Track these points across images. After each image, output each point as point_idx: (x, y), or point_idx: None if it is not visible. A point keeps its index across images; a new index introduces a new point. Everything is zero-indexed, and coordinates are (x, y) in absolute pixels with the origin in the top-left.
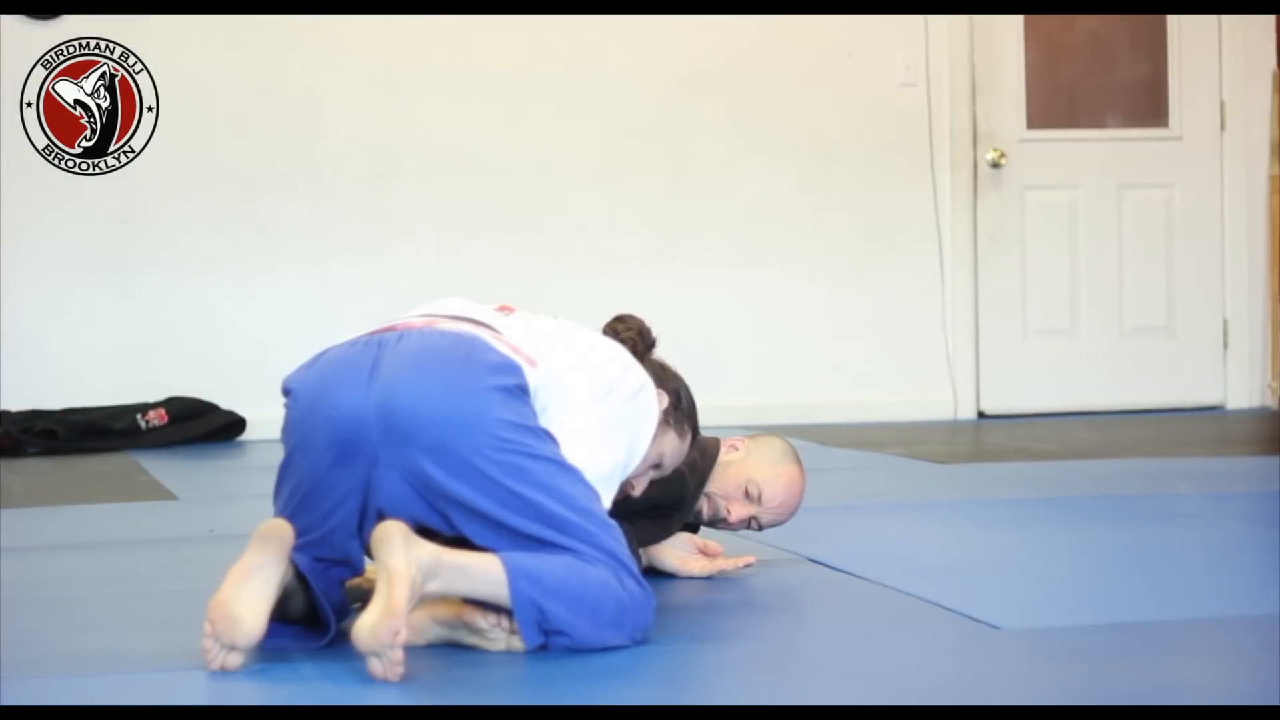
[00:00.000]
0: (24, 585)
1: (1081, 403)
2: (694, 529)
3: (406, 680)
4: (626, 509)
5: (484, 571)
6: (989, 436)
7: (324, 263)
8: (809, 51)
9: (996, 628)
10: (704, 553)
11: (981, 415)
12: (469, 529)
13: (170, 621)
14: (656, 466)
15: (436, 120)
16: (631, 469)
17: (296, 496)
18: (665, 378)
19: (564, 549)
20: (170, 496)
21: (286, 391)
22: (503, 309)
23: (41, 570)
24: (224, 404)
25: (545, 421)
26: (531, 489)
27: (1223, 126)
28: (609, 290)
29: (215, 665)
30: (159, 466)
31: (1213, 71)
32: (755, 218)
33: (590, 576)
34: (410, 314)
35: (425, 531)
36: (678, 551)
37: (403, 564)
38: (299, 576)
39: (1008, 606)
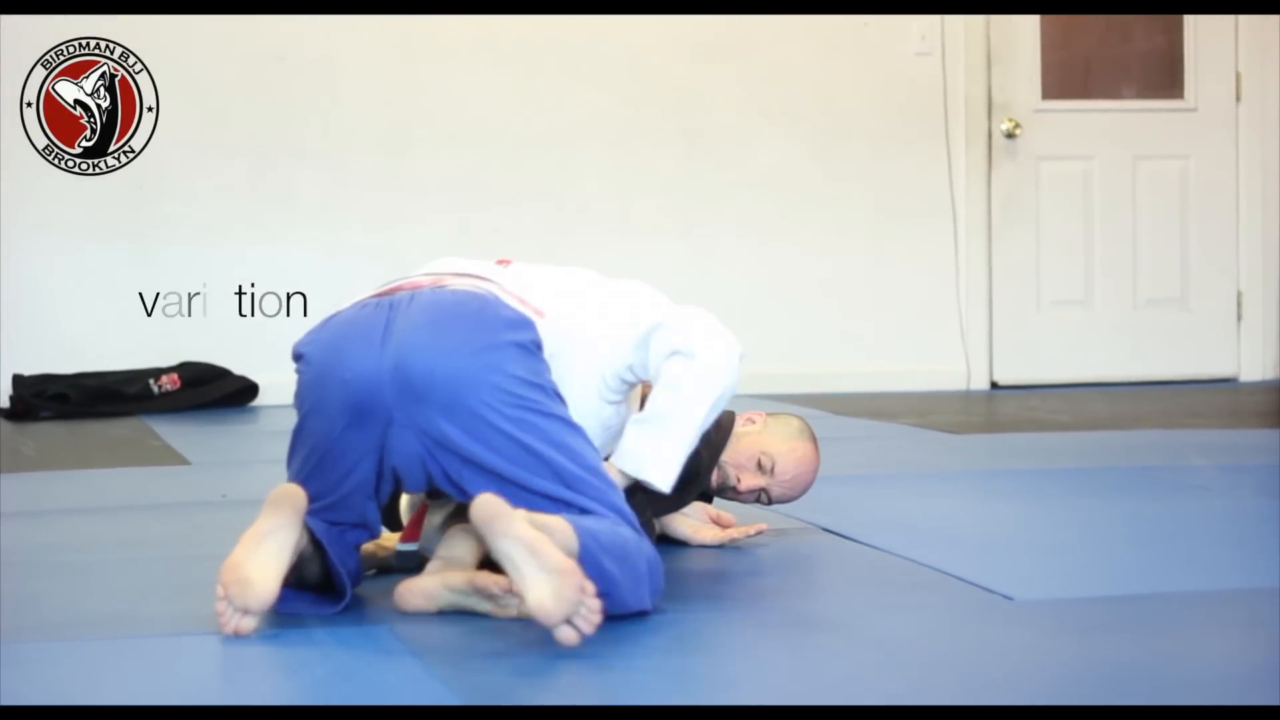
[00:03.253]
0: (36, 549)
1: (1095, 374)
2: (707, 499)
3: (420, 655)
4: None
5: (558, 529)
6: (1002, 407)
7: (337, 229)
8: (824, 20)
9: (1009, 598)
10: (717, 523)
11: (995, 386)
12: (482, 489)
13: (182, 586)
14: None
15: (451, 88)
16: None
17: (311, 460)
18: None
19: (576, 508)
20: (183, 461)
21: (298, 356)
22: (500, 262)
23: (53, 534)
24: (236, 369)
25: (556, 366)
26: (544, 445)
27: (1238, 98)
28: (622, 259)
29: (229, 629)
30: (171, 431)
31: (1228, 43)
32: (769, 187)
33: (627, 536)
34: (416, 273)
35: (436, 495)
36: (691, 520)
37: (529, 530)
38: (314, 542)
39: (1021, 577)
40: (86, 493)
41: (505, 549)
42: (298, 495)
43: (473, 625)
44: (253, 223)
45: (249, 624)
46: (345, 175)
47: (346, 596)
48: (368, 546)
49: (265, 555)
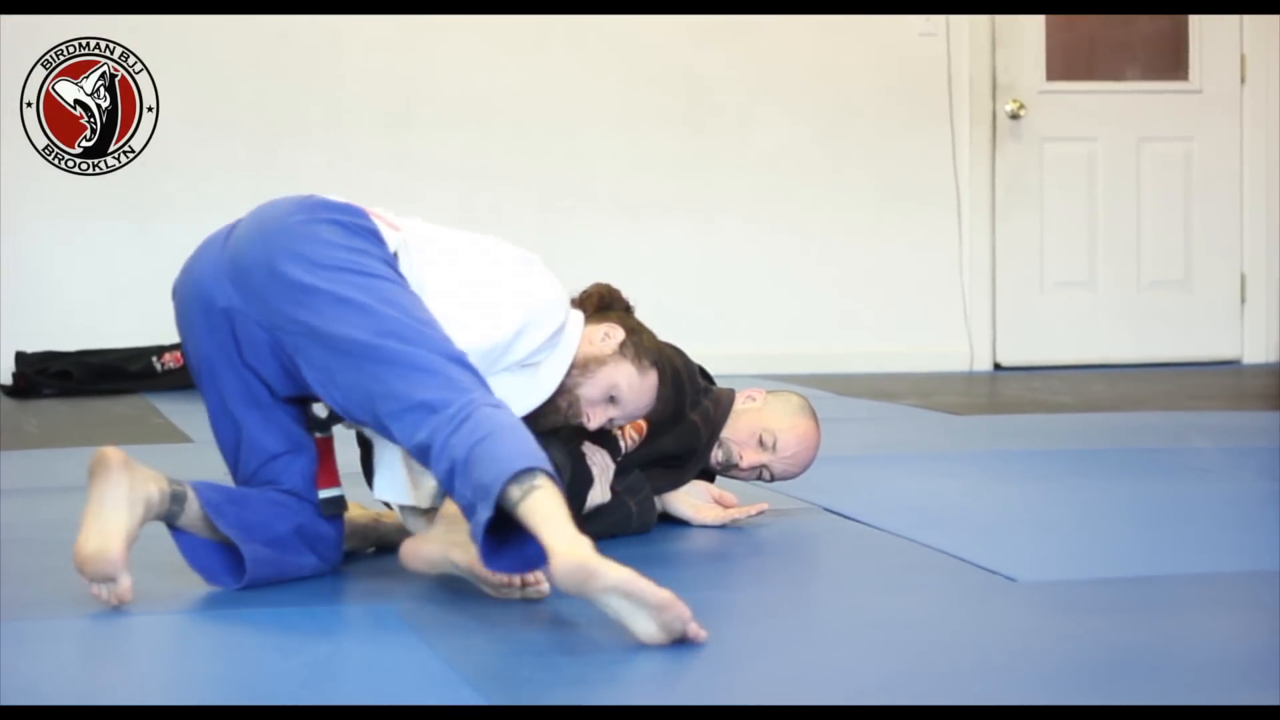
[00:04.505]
0: (38, 526)
1: (1098, 355)
2: (710, 477)
3: (424, 635)
4: (640, 459)
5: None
6: (1005, 388)
7: None
8: None
9: (1012, 580)
10: (719, 503)
11: (998, 367)
12: (316, 366)
13: (183, 564)
14: (613, 400)
15: (455, 66)
16: (514, 357)
17: (207, 401)
18: (627, 323)
19: (410, 363)
20: (185, 439)
21: (172, 294)
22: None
23: (56, 511)
24: None
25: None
26: (368, 298)
27: (1243, 80)
28: (626, 238)
29: (114, 602)
30: (174, 409)
31: (1233, 25)
32: (773, 167)
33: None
34: None
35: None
36: (692, 500)
37: (620, 574)
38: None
39: (1024, 558)
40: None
41: (607, 603)
42: (109, 456)
43: (476, 604)
44: (256, 201)
45: (123, 590)
46: (349, 154)
47: (245, 555)
48: (362, 519)
49: (101, 527)
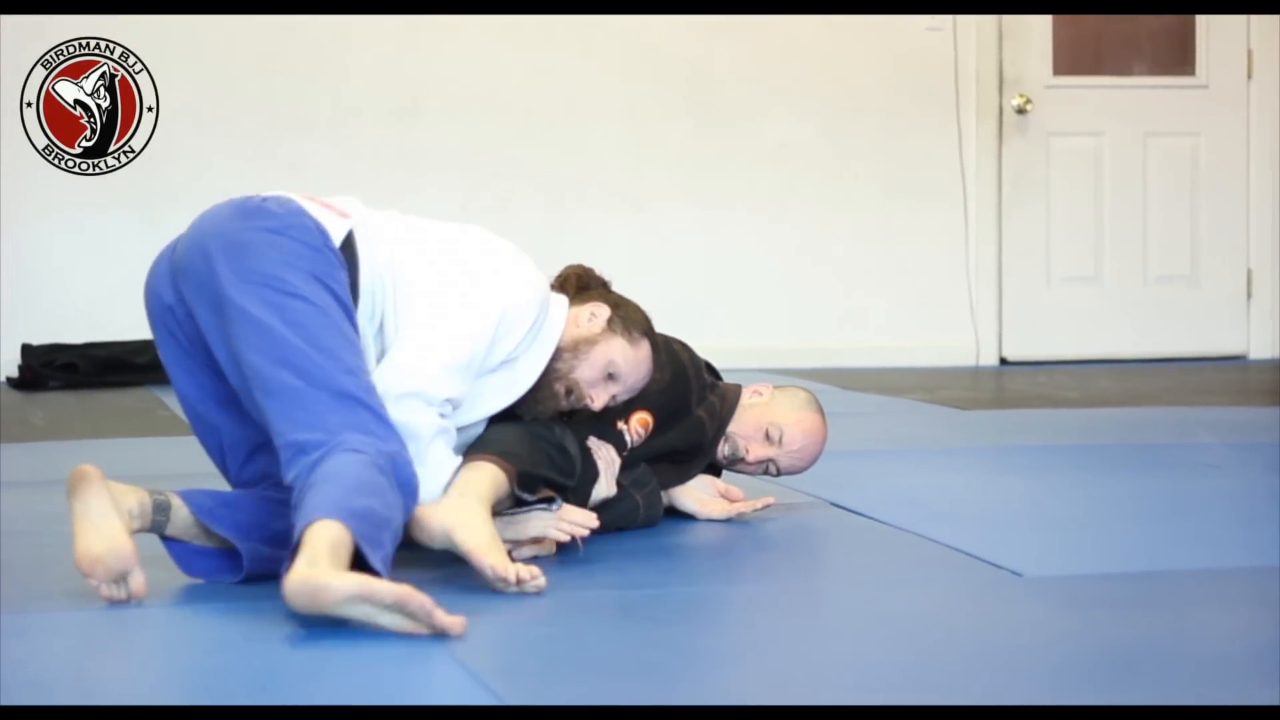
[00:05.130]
0: (45, 518)
1: (1104, 350)
2: (716, 471)
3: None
4: (646, 454)
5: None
6: (1011, 383)
7: None
8: None
9: (1018, 574)
10: (725, 497)
11: (1004, 362)
12: (230, 370)
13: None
14: (611, 377)
15: (461, 60)
16: (494, 360)
17: (181, 403)
18: (609, 298)
19: (290, 399)
20: (191, 432)
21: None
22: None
23: (61, 504)
24: None
25: (388, 291)
26: (277, 318)
27: (1249, 75)
28: (632, 232)
29: (121, 596)
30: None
31: (1240, 20)
32: (780, 162)
33: (366, 479)
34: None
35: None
36: (698, 494)
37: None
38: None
39: (1029, 553)
40: (95, 462)
41: (349, 614)
42: (87, 470)
43: (480, 596)
44: (261, 193)
45: (137, 584)
46: (354, 147)
47: (243, 551)
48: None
49: (99, 531)
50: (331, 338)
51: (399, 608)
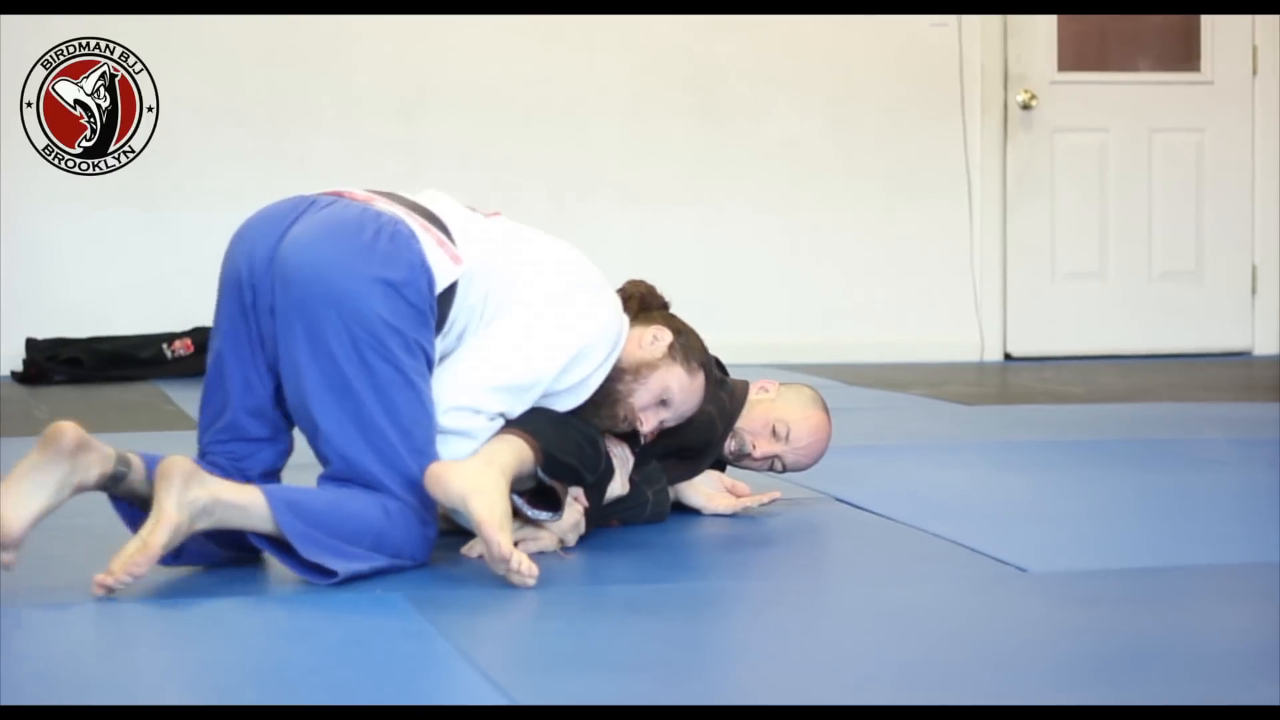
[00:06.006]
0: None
1: (1109, 346)
2: (722, 467)
3: (436, 622)
4: (657, 451)
5: (256, 507)
6: (1015, 379)
7: None
8: None
9: (1023, 570)
10: (731, 492)
11: (1008, 357)
12: (296, 396)
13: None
14: (664, 403)
15: (466, 55)
16: (569, 380)
17: (212, 369)
18: (673, 323)
19: (358, 464)
20: (194, 426)
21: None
22: (490, 214)
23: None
24: None
25: (476, 318)
26: (362, 386)
27: (1254, 71)
28: (636, 228)
29: None
30: (184, 396)
31: (1245, 16)
32: (784, 157)
33: (351, 510)
34: (368, 189)
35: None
36: (704, 489)
37: (173, 507)
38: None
39: (1034, 549)
40: None
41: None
42: (67, 431)
43: (485, 588)
44: (267, 188)
45: (7, 558)
46: (359, 141)
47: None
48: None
49: (20, 493)
50: (411, 411)
51: None
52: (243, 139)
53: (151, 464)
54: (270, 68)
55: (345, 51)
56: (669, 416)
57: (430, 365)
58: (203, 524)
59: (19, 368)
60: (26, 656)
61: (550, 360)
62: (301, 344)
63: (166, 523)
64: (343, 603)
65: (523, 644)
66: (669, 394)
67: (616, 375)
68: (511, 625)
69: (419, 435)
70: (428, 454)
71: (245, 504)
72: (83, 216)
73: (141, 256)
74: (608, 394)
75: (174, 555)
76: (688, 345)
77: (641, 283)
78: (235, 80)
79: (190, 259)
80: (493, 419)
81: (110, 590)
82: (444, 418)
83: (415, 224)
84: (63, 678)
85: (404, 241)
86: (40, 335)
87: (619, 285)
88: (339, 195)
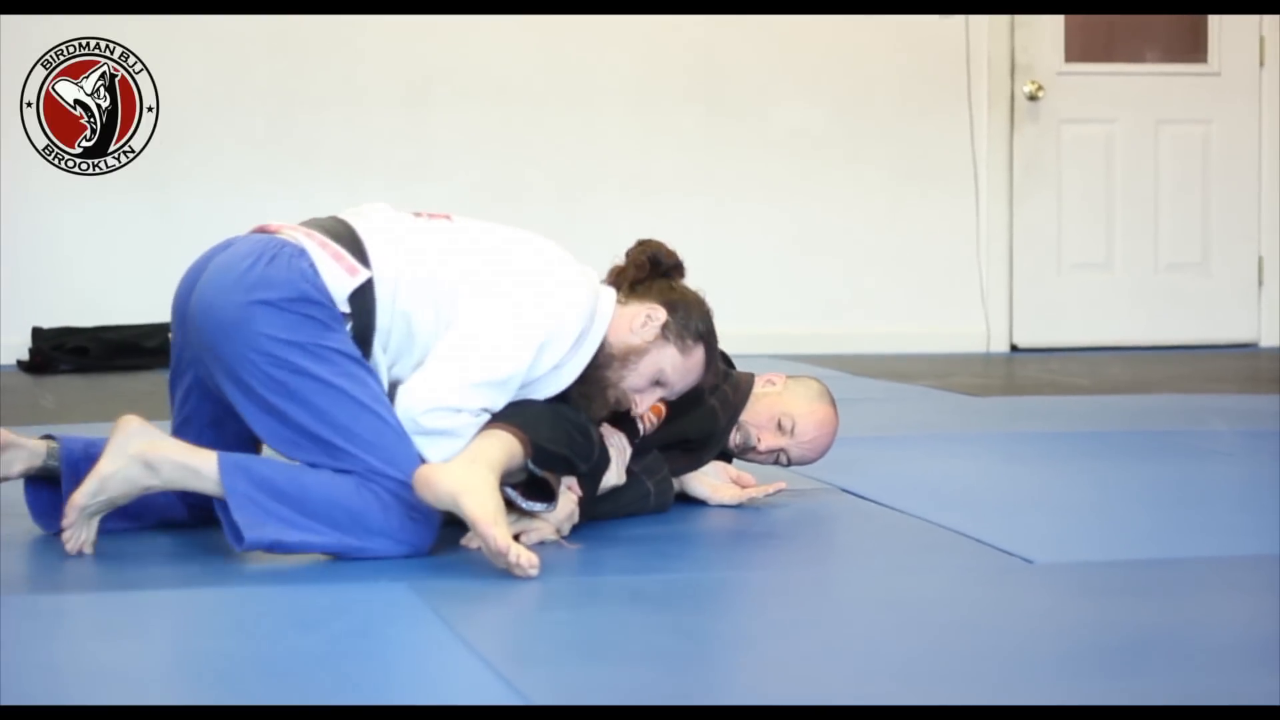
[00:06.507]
0: None
1: (1115, 338)
2: (728, 458)
3: (441, 612)
4: (658, 442)
5: (207, 468)
6: (1021, 370)
7: (358, 185)
8: None
9: (1029, 561)
10: (736, 483)
11: (1014, 349)
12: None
13: (193, 539)
14: (659, 384)
15: (472, 44)
16: (538, 372)
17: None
18: (670, 296)
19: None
20: None
21: None
22: (435, 216)
23: None
24: None
25: (429, 320)
26: (290, 405)
27: (1262, 63)
28: (643, 218)
29: None
30: None
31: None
32: (791, 147)
33: (310, 482)
34: (307, 218)
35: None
36: (710, 480)
37: (107, 458)
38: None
39: (1040, 540)
40: None
41: None
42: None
43: (491, 579)
44: (273, 177)
45: None
46: (366, 130)
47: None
48: None
49: None
50: (342, 410)
51: None
52: (249, 128)
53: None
54: (277, 56)
55: (352, 41)
56: (665, 394)
57: (355, 363)
58: (147, 481)
59: (25, 357)
60: (29, 646)
61: (520, 348)
62: (225, 383)
63: (95, 473)
64: (348, 593)
65: (527, 634)
66: (663, 375)
67: (605, 361)
68: (516, 615)
69: (362, 428)
70: (379, 443)
71: (196, 465)
72: (89, 205)
73: (148, 246)
74: (598, 381)
75: (133, 516)
76: (684, 322)
77: (649, 244)
78: (242, 69)
79: (197, 248)
80: (476, 415)
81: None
82: (425, 419)
83: (311, 243)
84: (69, 667)
85: (285, 261)
86: (46, 324)
87: (628, 248)
88: (260, 230)
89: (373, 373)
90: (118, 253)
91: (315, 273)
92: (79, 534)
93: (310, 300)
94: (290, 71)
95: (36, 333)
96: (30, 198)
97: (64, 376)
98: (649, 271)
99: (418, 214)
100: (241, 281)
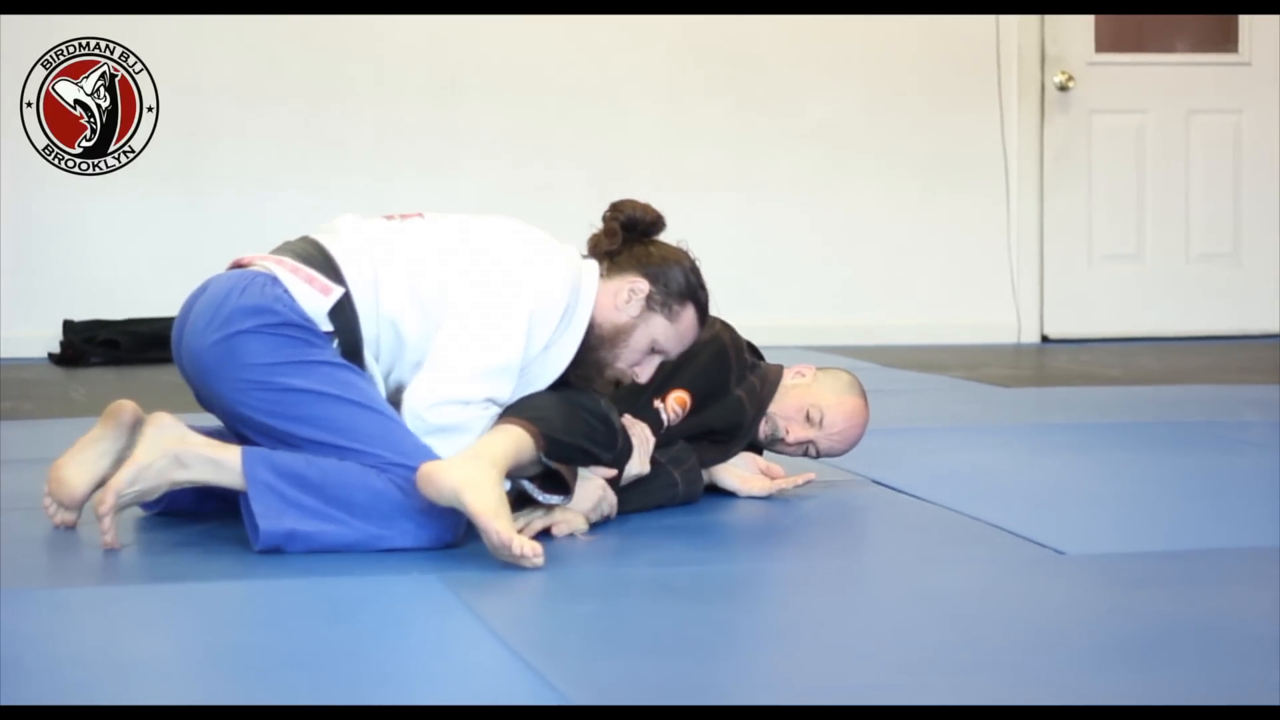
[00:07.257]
0: None
1: (1146, 328)
2: (758, 450)
3: (471, 605)
4: (683, 432)
5: (231, 462)
6: (1052, 361)
7: (389, 177)
8: None
9: (1061, 553)
10: (765, 474)
11: (1045, 339)
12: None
13: (223, 534)
14: (654, 351)
15: (503, 36)
16: (536, 345)
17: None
18: (649, 262)
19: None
20: None
21: None
22: (405, 217)
23: None
24: None
25: (418, 320)
26: (290, 423)
27: None
28: (673, 210)
29: (57, 521)
30: None
31: None
32: (822, 139)
33: (329, 466)
34: (278, 245)
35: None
36: (739, 471)
37: (143, 449)
38: None
39: (1072, 531)
40: None
41: None
42: (125, 408)
43: (523, 572)
44: (303, 170)
45: (69, 517)
46: (396, 123)
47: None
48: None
49: (83, 460)
50: (338, 416)
51: None
52: (279, 121)
53: None
54: (307, 50)
55: (382, 33)
56: (665, 358)
57: (344, 369)
58: (176, 475)
59: (56, 350)
60: (60, 640)
61: (512, 329)
62: (228, 419)
63: (131, 463)
64: (379, 585)
65: (558, 626)
66: (656, 345)
67: (596, 343)
68: (546, 607)
69: (365, 427)
70: (386, 438)
71: (221, 458)
72: (119, 198)
73: (179, 238)
74: (593, 364)
75: (155, 502)
76: (666, 288)
77: (623, 206)
78: (272, 62)
79: (227, 241)
80: (484, 407)
81: (70, 526)
82: (431, 415)
83: (282, 269)
84: (99, 661)
85: (257, 290)
86: (77, 317)
87: (604, 212)
88: (235, 265)
89: (365, 376)
90: (148, 246)
91: (290, 297)
92: (114, 522)
93: (289, 323)
94: (321, 65)
95: (67, 325)
96: (61, 191)
97: (95, 369)
98: (626, 237)
99: (389, 216)
100: (216, 320)
